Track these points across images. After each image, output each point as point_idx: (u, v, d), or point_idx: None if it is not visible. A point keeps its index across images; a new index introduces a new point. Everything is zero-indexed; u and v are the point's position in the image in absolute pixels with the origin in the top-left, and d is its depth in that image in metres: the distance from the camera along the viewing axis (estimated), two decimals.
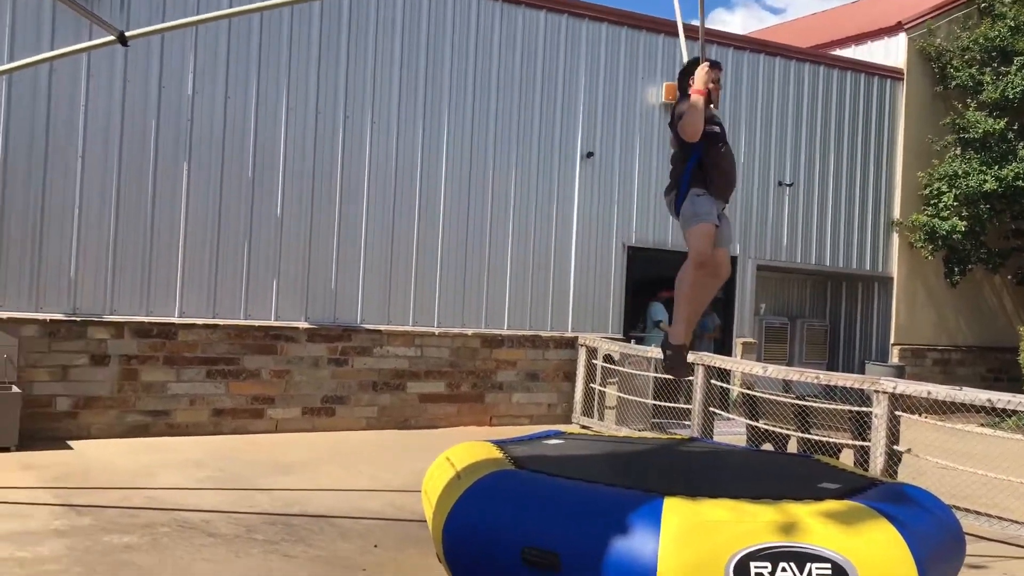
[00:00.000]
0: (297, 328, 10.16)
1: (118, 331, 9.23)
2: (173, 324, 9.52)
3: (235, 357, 9.82)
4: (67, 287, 9.14)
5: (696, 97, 4.85)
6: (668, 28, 12.32)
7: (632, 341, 12.00)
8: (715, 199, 5.00)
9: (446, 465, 5.44)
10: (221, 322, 9.78)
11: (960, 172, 14.25)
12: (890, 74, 14.89)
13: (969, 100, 14.70)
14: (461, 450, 5.66)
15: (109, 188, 9.36)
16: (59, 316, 9.02)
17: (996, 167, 13.99)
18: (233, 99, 9.95)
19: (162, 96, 9.61)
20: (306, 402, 10.18)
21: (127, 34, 5.58)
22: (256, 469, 8.09)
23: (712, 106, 4.98)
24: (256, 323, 9.96)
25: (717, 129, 5.03)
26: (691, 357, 9.87)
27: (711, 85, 4.94)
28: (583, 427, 11.07)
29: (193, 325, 9.61)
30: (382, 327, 10.63)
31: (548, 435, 6.66)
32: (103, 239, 9.32)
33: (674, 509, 4.26)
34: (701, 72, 4.93)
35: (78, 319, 9.08)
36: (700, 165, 4.95)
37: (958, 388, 7.73)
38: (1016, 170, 13.77)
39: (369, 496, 7.33)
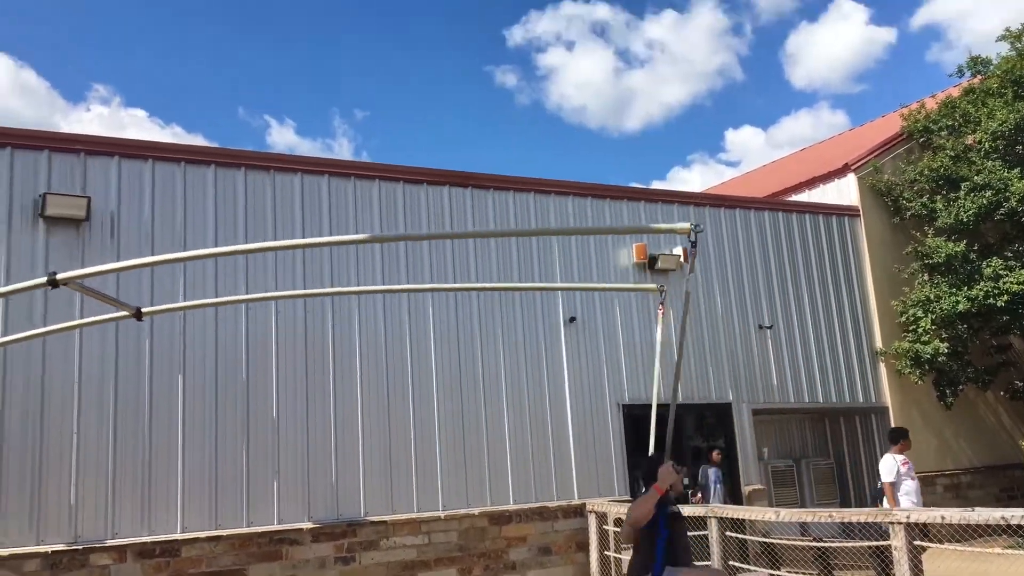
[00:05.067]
0: (301, 530, 9.99)
1: (120, 555, 9.05)
2: (176, 541, 9.35)
3: (240, 568, 9.59)
4: (67, 515, 9.03)
5: (654, 492, 5.12)
6: (628, 194, 13.00)
7: None
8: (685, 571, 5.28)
9: None
10: (224, 532, 9.62)
11: (932, 296, 14.65)
12: (846, 212, 15.60)
13: (926, 227, 15.33)
14: None
15: (106, 409, 9.45)
16: (60, 546, 8.86)
17: (965, 288, 14.41)
18: (224, 309, 10.24)
19: (154, 314, 9.87)
20: None
21: (144, 310, 5.87)
22: None
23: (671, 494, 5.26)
24: (259, 529, 9.80)
25: (676, 509, 5.37)
26: (702, 510, 9.74)
27: (675, 477, 5.24)
28: None
29: (196, 539, 9.44)
30: (387, 517, 10.48)
31: None
32: (101, 462, 9.31)
33: None
34: (668, 473, 5.19)
35: (79, 547, 8.91)
36: (669, 541, 5.19)
37: (970, 509, 7.67)
38: (985, 289, 14.17)
39: None
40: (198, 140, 52.81)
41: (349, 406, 10.67)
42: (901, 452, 10.43)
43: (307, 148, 55.09)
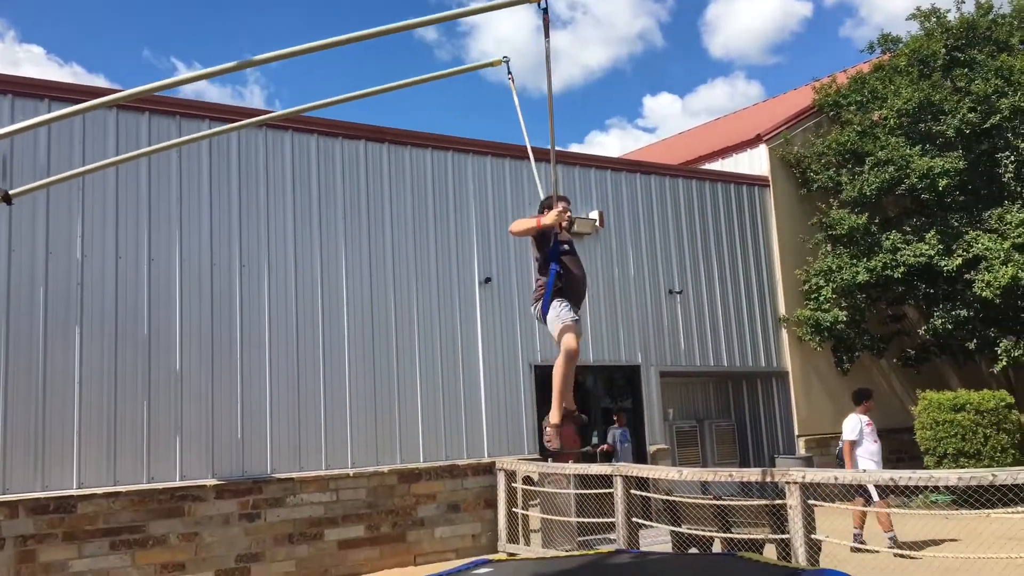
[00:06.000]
0: (204, 486, 9.78)
1: (12, 511, 8.70)
2: (71, 496, 9.04)
3: (140, 524, 9.35)
4: None
5: (534, 222, 5.75)
6: (546, 157, 12.93)
7: (549, 460, 12.00)
8: (571, 305, 5.79)
9: None
10: (123, 488, 9.34)
11: (834, 267, 15.19)
12: (757, 182, 15.96)
13: (831, 200, 15.82)
14: None
15: None
16: None
17: (865, 259, 14.99)
18: (124, 259, 9.85)
19: (49, 262, 9.44)
20: (219, 564, 9.70)
21: (11, 192, 5.56)
22: None
23: (564, 229, 5.81)
24: (160, 485, 9.56)
25: (567, 247, 5.90)
26: (608, 469, 9.98)
27: (559, 216, 5.68)
28: (510, 554, 10.89)
29: (93, 495, 9.14)
30: (294, 474, 10.36)
31: (475, 565, 6.57)
32: None
33: None
34: (552, 216, 5.70)
35: None
36: (558, 275, 5.79)
37: (861, 471, 8.04)
38: (883, 260, 14.76)
39: None
40: (100, 81, 50.38)
41: (256, 361, 10.45)
42: (865, 412, 10.35)
43: (216, 95, 53.25)
